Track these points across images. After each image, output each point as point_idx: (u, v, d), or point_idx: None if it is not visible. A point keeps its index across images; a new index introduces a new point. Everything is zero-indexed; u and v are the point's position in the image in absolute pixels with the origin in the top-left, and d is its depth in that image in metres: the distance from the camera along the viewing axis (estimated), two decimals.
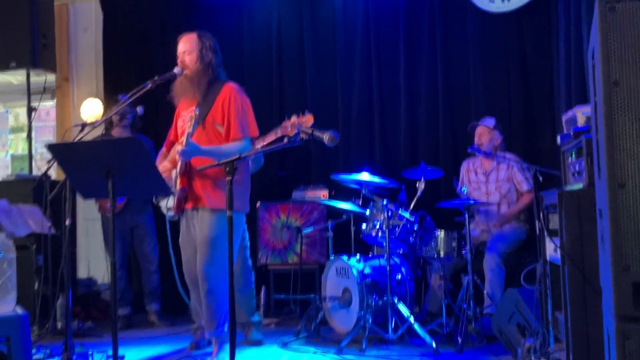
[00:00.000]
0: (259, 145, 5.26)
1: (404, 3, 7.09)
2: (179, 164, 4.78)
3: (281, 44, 7.56)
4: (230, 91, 4.84)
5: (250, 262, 5.52)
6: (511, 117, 6.65)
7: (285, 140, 3.97)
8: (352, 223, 6.15)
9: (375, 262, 5.71)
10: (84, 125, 4.91)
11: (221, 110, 4.81)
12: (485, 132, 6.11)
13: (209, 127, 4.82)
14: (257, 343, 5.50)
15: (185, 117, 4.87)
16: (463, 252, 5.53)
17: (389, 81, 7.17)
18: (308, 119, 5.11)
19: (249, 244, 5.52)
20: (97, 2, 8.05)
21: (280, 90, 7.55)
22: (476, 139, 6.12)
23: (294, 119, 5.18)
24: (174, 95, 4.98)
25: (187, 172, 4.81)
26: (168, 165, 4.95)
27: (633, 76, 2.26)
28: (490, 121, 6.12)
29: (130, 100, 4.77)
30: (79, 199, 6.51)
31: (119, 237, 6.44)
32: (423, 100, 7.03)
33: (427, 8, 7.03)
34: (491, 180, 6.15)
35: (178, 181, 4.80)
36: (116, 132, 6.44)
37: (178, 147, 4.79)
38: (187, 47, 4.88)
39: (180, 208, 4.87)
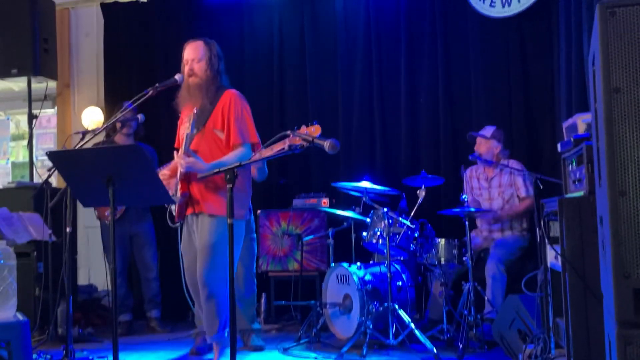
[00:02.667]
0: (266, 154, 5.23)
1: (405, 10, 7.10)
2: (179, 169, 4.78)
3: (282, 48, 7.57)
4: (230, 97, 4.85)
5: (254, 270, 5.55)
6: (512, 124, 6.66)
7: (286, 148, 3.97)
8: (352, 230, 6.15)
9: (376, 269, 5.71)
10: (84, 133, 4.91)
11: (221, 116, 4.81)
12: (482, 142, 6.14)
13: (208, 133, 4.83)
14: (258, 349, 5.50)
15: (186, 122, 4.88)
16: (464, 259, 5.53)
17: (389, 88, 7.17)
18: (316, 130, 5.01)
19: (256, 252, 5.55)
20: (98, 7, 8.06)
21: (281, 95, 7.55)
22: (475, 148, 6.14)
23: (303, 129, 5.08)
24: (178, 103, 4.98)
25: (188, 178, 4.81)
26: (167, 173, 4.94)
27: (634, 82, 2.25)
28: (487, 131, 6.14)
29: (133, 107, 4.77)
30: (80, 207, 6.51)
31: (119, 244, 6.44)
32: (424, 107, 7.04)
33: (427, 14, 7.04)
34: (494, 185, 6.16)
35: (179, 187, 4.80)
36: (119, 139, 6.46)
37: (178, 159, 4.77)
38: (195, 54, 4.88)
39: (181, 214, 4.87)
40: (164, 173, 4.96)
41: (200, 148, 4.76)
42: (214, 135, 4.83)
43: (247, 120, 4.86)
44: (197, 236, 4.82)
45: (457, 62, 6.96)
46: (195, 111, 4.70)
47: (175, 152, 4.98)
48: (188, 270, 4.97)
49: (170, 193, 4.71)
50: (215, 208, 4.71)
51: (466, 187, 6.34)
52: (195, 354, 5.38)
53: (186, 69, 4.88)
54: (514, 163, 6.10)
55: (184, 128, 4.89)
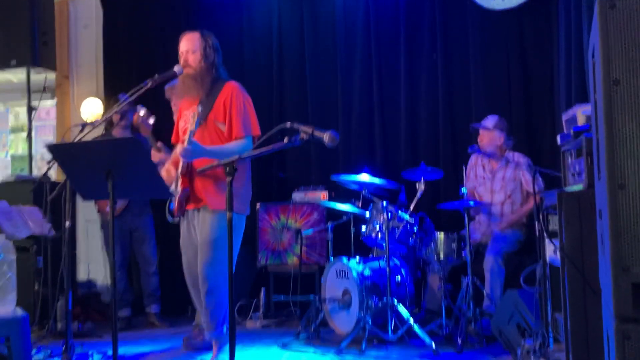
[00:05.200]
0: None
1: (404, 2, 7.08)
2: (181, 164, 4.77)
3: (282, 43, 7.56)
4: (231, 89, 4.83)
5: None
6: (511, 116, 6.63)
7: (285, 140, 3.95)
8: (352, 224, 6.14)
9: (375, 264, 5.70)
10: (84, 125, 4.90)
11: (223, 109, 4.80)
12: (484, 134, 6.11)
13: (210, 125, 4.81)
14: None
15: (187, 116, 4.86)
16: (463, 253, 5.53)
17: (389, 81, 7.16)
18: None
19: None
20: None
21: (281, 90, 7.55)
22: (478, 140, 6.12)
23: None
24: (175, 94, 4.96)
25: (189, 173, 4.80)
26: (172, 170, 4.91)
27: (634, 74, 2.24)
28: (489, 122, 6.09)
29: (131, 99, 4.75)
30: (79, 201, 6.51)
31: (119, 239, 6.43)
32: (423, 100, 7.03)
33: (427, 6, 7.03)
34: (497, 178, 6.13)
35: (179, 182, 4.79)
36: (117, 132, 6.44)
37: (179, 147, 4.78)
38: (190, 46, 4.87)
39: (181, 209, 4.86)
40: (167, 169, 4.93)
41: (203, 141, 4.75)
42: (216, 127, 4.82)
43: (250, 112, 4.86)
44: (198, 231, 4.81)
45: (457, 54, 6.95)
46: (200, 109, 4.68)
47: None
48: (187, 266, 4.96)
49: (171, 188, 4.71)
50: (218, 203, 4.69)
51: (469, 173, 6.30)
52: (187, 348, 5.39)
53: (181, 60, 4.88)
54: (519, 156, 6.07)
55: (184, 122, 4.88)
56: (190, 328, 5.74)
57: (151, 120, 5.91)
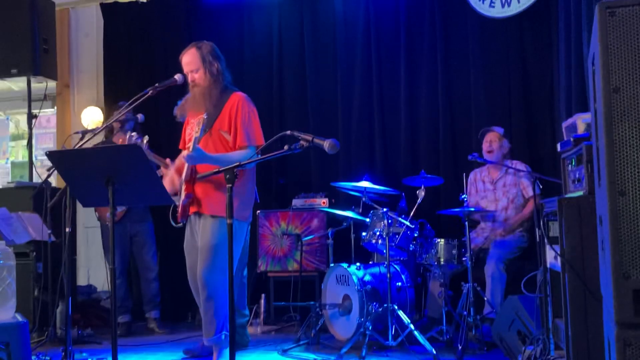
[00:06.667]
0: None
1: (404, 10, 7.09)
2: (185, 170, 4.79)
3: (282, 49, 7.56)
4: (237, 100, 4.86)
5: (245, 279, 5.54)
6: (512, 124, 6.65)
7: (286, 147, 3.96)
8: (352, 230, 6.14)
9: (375, 270, 5.70)
10: (84, 133, 4.91)
11: (228, 118, 4.82)
12: (495, 139, 6.14)
13: (215, 134, 4.83)
14: None
15: (193, 124, 4.87)
16: (463, 259, 5.53)
17: (389, 88, 7.16)
18: None
19: (246, 259, 5.51)
20: (97, 7, 8.06)
21: (281, 95, 7.55)
22: (487, 145, 6.14)
23: None
24: (186, 109, 4.97)
25: (193, 179, 4.81)
26: (176, 179, 4.92)
27: (633, 82, 2.24)
28: (499, 129, 6.16)
29: (132, 106, 4.76)
30: (79, 207, 6.51)
31: (119, 245, 6.43)
32: (423, 107, 7.03)
33: (427, 14, 7.03)
34: (499, 186, 6.18)
35: (183, 188, 4.80)
36: (116, 140, 6.44)
37: (184, 153, 4.79)
38: (192, 66, 4.87)
39: (185, 214, 4.87)
40: (170, 178, 4.94)
41: (207, 149, 4.76)
42: (220, 136, 4.84)
43: (254, 123, 4.87)
44: (199, 236, 4.82)
45: (457, 62, 6.95)
46: (205, 116, 4.69)
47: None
48: (190, 270, 4.96)
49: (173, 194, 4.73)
50: (218, 209, 4.70)
51: (470, 190, 6.32)
52: (187, 353, 5.38)
53: (189, 79, 4.89)
54: (518, 164, 6.10)
55: (191, 129, 4.89)
56: (190, 333, 5.72)
57: (145, 143, 5.87)
